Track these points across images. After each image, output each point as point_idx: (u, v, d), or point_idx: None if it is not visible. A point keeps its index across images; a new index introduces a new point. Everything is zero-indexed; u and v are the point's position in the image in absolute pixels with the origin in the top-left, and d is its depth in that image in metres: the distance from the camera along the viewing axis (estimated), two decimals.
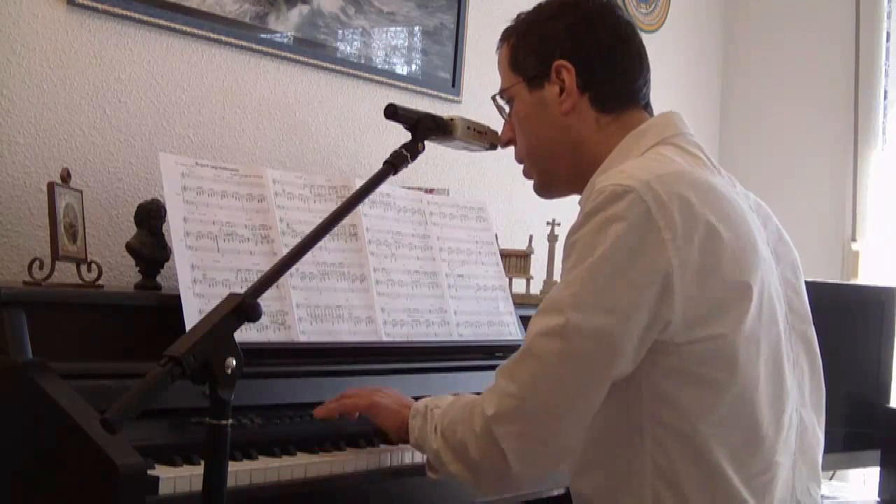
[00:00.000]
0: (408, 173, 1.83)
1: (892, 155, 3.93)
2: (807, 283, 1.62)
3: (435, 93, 2.96)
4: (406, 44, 2.91)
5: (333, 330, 1.95)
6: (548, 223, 2.72)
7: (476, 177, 3.13)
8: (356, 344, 1.97)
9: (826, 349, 1.60)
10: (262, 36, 2.50)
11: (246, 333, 1.73)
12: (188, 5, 2.33)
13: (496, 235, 2.43)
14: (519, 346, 1.42)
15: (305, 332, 1.89)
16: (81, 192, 1.94)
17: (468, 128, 1.70)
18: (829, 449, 1.62)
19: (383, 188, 1.79)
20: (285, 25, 2.55)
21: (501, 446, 1.37)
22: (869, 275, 3.85)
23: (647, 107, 1.59)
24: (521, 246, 2.73)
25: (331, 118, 2.68)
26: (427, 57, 2.95)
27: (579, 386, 1.35)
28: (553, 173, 1.62)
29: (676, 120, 1.56)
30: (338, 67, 2.68)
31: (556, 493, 2.08)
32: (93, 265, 1.90)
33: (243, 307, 1.26)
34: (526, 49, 1.59)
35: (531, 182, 1.66)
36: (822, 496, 1.57)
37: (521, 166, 1.66)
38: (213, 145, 2.42)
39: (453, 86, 3.02)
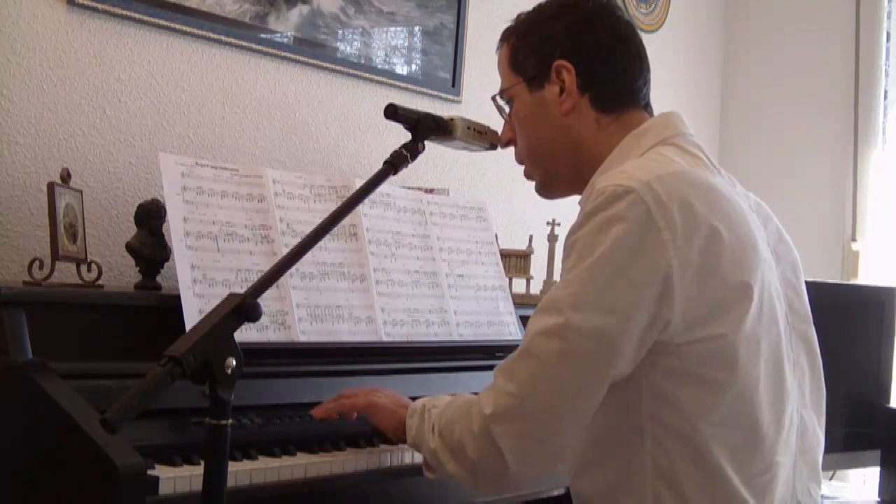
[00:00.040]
0: (408, 173, 1.83)
1: (892, 155, 3.93)
2: (807, 283, 1.62)
3: (435, 93, 2.96)
4: (406, 44, 2.91)
5: (333, 330, 1.95)
6: (548, 223, 2.72)
7: (476, 177, 3.13)
8: (356, 344, 1.97)
9: (826, 349, 1.60)
10: (262, 36, 2.50)
11: (246, 333, 1.73)
12: (188, 5, 2.33)
13: (496, 235, 2.43)
14: (519, 345, 1.42)
15: (305, 332, 1.89)
16: (81, 192, 1.94)
17: (468, 128, 1.70)
18: (829, 449, 1.62)
19: (383, 188, 1.79)
20: (285, 25, 2.55)
21: (499, 445, 1.37)
22: (869, 275, 3.85)
23: (647, 107, 1.59)
24: (521, 246, 2.73)
25: (331, 118, 2.68)
26: (427, 57, 2.95)
27: (578, 386, 1.35)
28: (553, 173, 1.62)
29: (676, 120, 1.56)
30: (338, 67, 2.68)
31: (556, 493, 2.08)
32: (93, 265, 1.90)
33: (243, 307, 1.26)
34: (526, 49, 1.58)
35: (531, 182, 1.66)
36: (822, 496, 1.57)
37: (522, 167, 1.66)
38: (213, 145, 2.42)
39: (453, 86, 3.02)
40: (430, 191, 2.44)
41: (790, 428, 1.46)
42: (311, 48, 2.61)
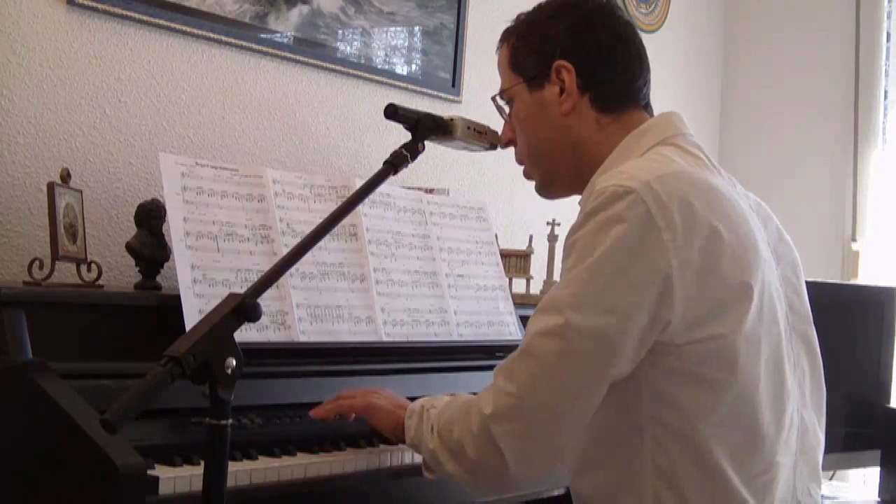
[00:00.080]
0: (408, 173, 1.83)
1: (892, 155, 3.93)
2: (807, 283, 1.62)
3: (435, 93, 2.96)
4: (406, 44, 2.91)
5: (333, 330, 1.95)
6: (548, 223, 2.72)
7: (476, 177, 3.13)
8: (356, 344, 1.97)
9: (826, 349, 1.60)
10: (262, 36, 2.50)
11: (246, 333, 1.73)
12: (188, 5, 2.33)
13: (496, 235, 2.43)
14: (519, 345, 1.42)
15: (305, 332, 1.89)
16: (81, 192, 1.94)
17: (468, 128, 1.70)
18: (829, 449, 1.62)
19: (383, 188, 1.79)
20: (285, 25, 2.55)
21: (499, 445, 1.37)
22: (869, 275, 3.85)
23: (647, 107, 1.59)
24: (521, 246, 2.73)
25: (331, 118, 2.68)
26: (427, 57, 2.95)
27: (578, 386, 1.35)
28: (553, 174, 1.62)
29: (676, 120, 1.56)
30: (338, 67, 2.68)
31: (556, 493, 2.08)
32: (93, 265, 1.90)
33: (243, 307, 1.26)
34: (526, 49, 1.58)
35: (532, 182, 1.66)
36: (822, 496, 1.57)
37: (522, 167, 1.66)
38: (213, 145, 2.42)
39: (453, 86, 3.02)
40: (430, 191, 2.44)
41: (790, 428, 1.46)
42: (311, 48, 2.61)
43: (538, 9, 1.61)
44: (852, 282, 3.83)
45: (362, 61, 2.75)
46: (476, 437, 1.40)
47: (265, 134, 2.53)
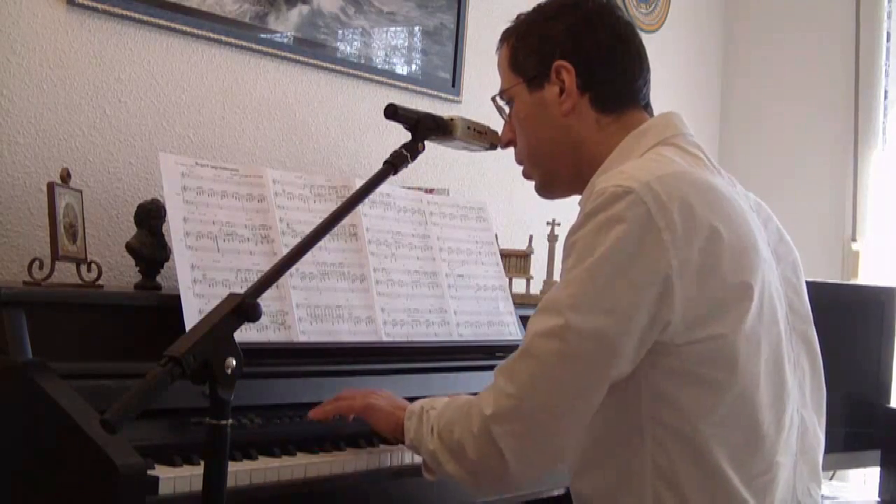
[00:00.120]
0: (408, 173, 1.83)
1: (892, 155, 3.93)
2: (807, 283, 1.62)
3: (435, 93, 2.96)
4: (406, 44, 2.91)
5: (333, 330, 1.95)
6: (548, 223, 2.72)
7: (476, 177, 3.13)
8: (356, 344, 1.97)
9: (826, 349, 1.60)
10: (262, 36, 2.50)
11: (246, 333, 1.73)
12: (188, 5, 2.33)
13: (496, 235, 2.43)
14: (519, 346, 1.42)
15: (305, 332, 1.89)
16: (81, 192, 1.94)
17: (468, 128, 1.70)
18: (829, 449, 1.62)
19: (383, 188, 1.79)
20: (285, 25, 2.55)
21: (500, 446, 1.37)
22: (869, 275, 3.85)
23: (647, 107, 1.59)
24: (521, 246, 2.73)
25: (331, 118, 2.68)
26: (427, 57, 2.95)
27: (578, 386, 1.35)
28: (553, 174, 1.62)
29: (676, 120, 1.56)
30: (338, 67, 2.68)
31: (556, 493, 2.08)
32: (93, 265, 1.90)
33: (243, 307, 1.26)
34: (526, 50, 1.58)
35: (531, 182, 1.66)
36: (822, 496, 1.57)
37: (522, 167, 1.66)
38: (213, 145, 2.42)
39: (453, 86, 3.02)
40: (430, 191, 2.44)
41: (790, 428, 1.46)
42: (311, 48, 2.61)
43: (538, 9, 1.61)
44: (852, 282, 3.83)
45: (362, 61, 2.75)
46: (477, 438, 1.40)
47: (265, 134, 2.53)
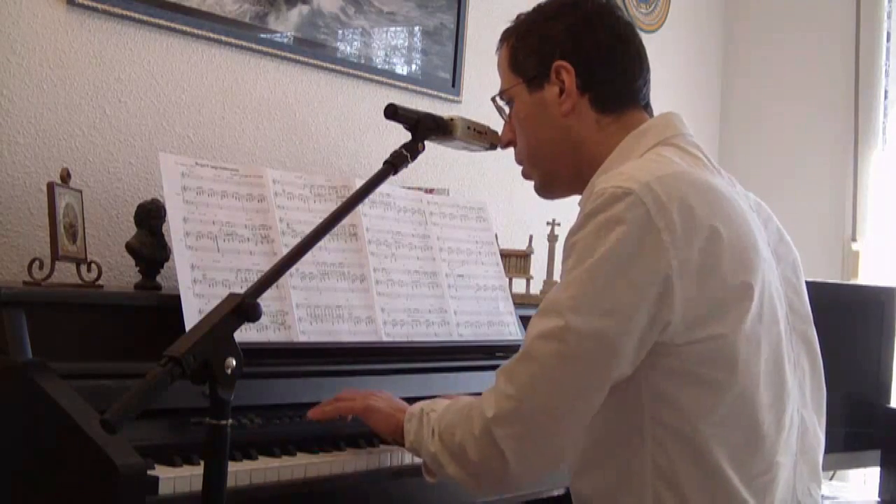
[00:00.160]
0: (408, 173, 1.83)
1: (892, 155, 3.93)
2: (807, 283, 1.62)
3: (435, 93, 2.96)
4: (406, 44, 2.91)
5: (333, 330, 1.95)
6: (548, 223, 2.72)
7: (476, 177, 3.13)
8: (356, 344, 1.97)
9: (826, 349, 1.60)
10: (262, 36, 2.50)
11: (246, 333, 1.72)
12: (188, 5, 2.33)
13: (496, 235, 2.43)
14: (519, 346, 1.42)
15: (305, 332, 1.89)
16: (81, 192, 1.94)
17: (468, 128, 1.70)
18: (829, 449, 1.62)
19: (383, 188, 1.79)
20: (285, 25, 2.55)
21: (501, 448, 1.37)
22: (869, 275, 3.85)
23: (647, 107, 1.59)
24: (521, 246, 2.73)
25: (331, 118, 2.68)
26: (427, 57, 2.95)
27: (578, 388, 1.35)
28: (553, 174, 1.62)
29: (676, 121, 1.56)
30: (338, 67, 2.68)
31: (556, 493, 2.08)
32: (93, 265, 1.90)
33: (243, 307, 1.26)
34: (526, 50, 1.58)
35: (531, 182, 1.66)
36: (822, 496, 1.57)
37: (521, 167, 1.66)
38: (213, 145, 2.42)
39: (453, 86, 3.02)
40: (430, 191, 2.44)
41: (791, 428, 1.46)
42: (311, 48, 2.61)
43: (538, 9, 1.61)
44: (852, 282, 3.83)
45: (362, 61, 2.75)
46: (478, 440, 1.40)
47: (265, 134, 2.53)
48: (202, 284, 1.78)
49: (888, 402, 3.04)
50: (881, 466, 2.91)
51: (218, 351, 1.23)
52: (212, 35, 2.38)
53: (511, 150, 1.66)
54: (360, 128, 2.75)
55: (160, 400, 1.18)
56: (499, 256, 2.39)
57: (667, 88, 3.78)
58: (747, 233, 1.42)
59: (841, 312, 2.89)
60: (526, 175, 1.65)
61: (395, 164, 1.56)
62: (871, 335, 3.00)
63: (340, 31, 2.70)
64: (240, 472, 1.54)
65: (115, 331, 1.72)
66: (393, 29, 2.86)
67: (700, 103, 4.19)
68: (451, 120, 1.68)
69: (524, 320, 2.30)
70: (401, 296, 2.10)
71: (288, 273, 1.69)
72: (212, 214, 1.85)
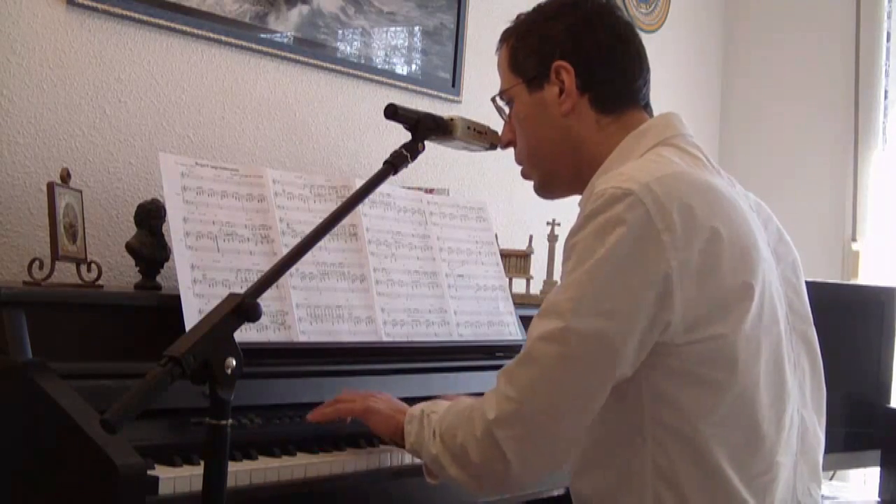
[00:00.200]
0: (408, 173, 1.83)
1: (892, 155, 3.93)
2: (807, 283, 1.62)
3: (435, 93, 2.96)
4: (406, 44, 2.91)
5: (333, 330, 1.95)
6: (548, 223, 2.72)
7: (476, 177, 3.13)
8: (356, 344, 1.97)
9: (826, 349, 1.60)
10: (262, 36, 2.50)
11: (246, 333, 1.72)
12: (188, 5, 2.33)
13: (496, 235, 2.43)
14: (519, 346, 1.42)
15: (305, 332, 1.89)
16: (81, 192, 1.94)
17: (468, 128, 1.70)
18: (829, 449, 1.62)
19: (383, 188, 1.79)
20: (285, 25, 2.55)
21: (503, 449, 1.37)
22: (869, 275, 3.85)
23: (646, 107, 1.59)
24: (521, 246, 2.73)
25: (331, 118, 2.68)
26: (427, 57, 2.95)
27: (579, 389, 1.35)
28: (553, 174, 1.62)
29: (676, 121, 1.56)
30: (338, 67, 2.68)
31: (556, 493, 2.08)
32: (93, 265, 1.90)
33: (243, 307, 1.26)
34: (525, 50, 1.58)
35: (531, 182, 1.66)
36: (822, 496, 1.57)
37: (521, 167, 1.66)
38: (213, 145, 2.42)
39: (453, 86, 3.02)
40: (430, 191, 2.44)
41: (791, 428, 1.46)
42: (311, 48, 2.61)
43: (538, 9, 1.61)
44: (852, 282, 3.83)
45: (362, 61, 2.75)
46: (480, 442, 1.40)
47: (265, 134, 2.53)
48: (202, 284, 1.78)
49: (888, 402, 3.04)
50: (881, 466, 2.91)
51: (218, 351, 1.23)
52: (212, 35, 2.38)
53: (511, 150, 1.66)
54: (360, 128, 2.75)
55: (160, 400, 1.18)
56: (499, 256, 2.39)
57: (667, 88, 3.78)
58: (747, 233, 1.42)
59: (841, 312, 2.89)
60: (526, 175, 1.65)
61: (395, 164, 1.56)
62: (871, 335, 3.00)
63: (340, 31, 2.70)
64: (240, 472, 1.54)
65: (115, 331, 1.72)
66: (393, 29, 2.86)
67: (700, 103, 4.19)
68: (451, 120, 1.68)
69: (524, 320, 2.30)
70: (401, 296, 2.10)
71: (288, 273, 1.69)
72: (212, 214, 1.85)
